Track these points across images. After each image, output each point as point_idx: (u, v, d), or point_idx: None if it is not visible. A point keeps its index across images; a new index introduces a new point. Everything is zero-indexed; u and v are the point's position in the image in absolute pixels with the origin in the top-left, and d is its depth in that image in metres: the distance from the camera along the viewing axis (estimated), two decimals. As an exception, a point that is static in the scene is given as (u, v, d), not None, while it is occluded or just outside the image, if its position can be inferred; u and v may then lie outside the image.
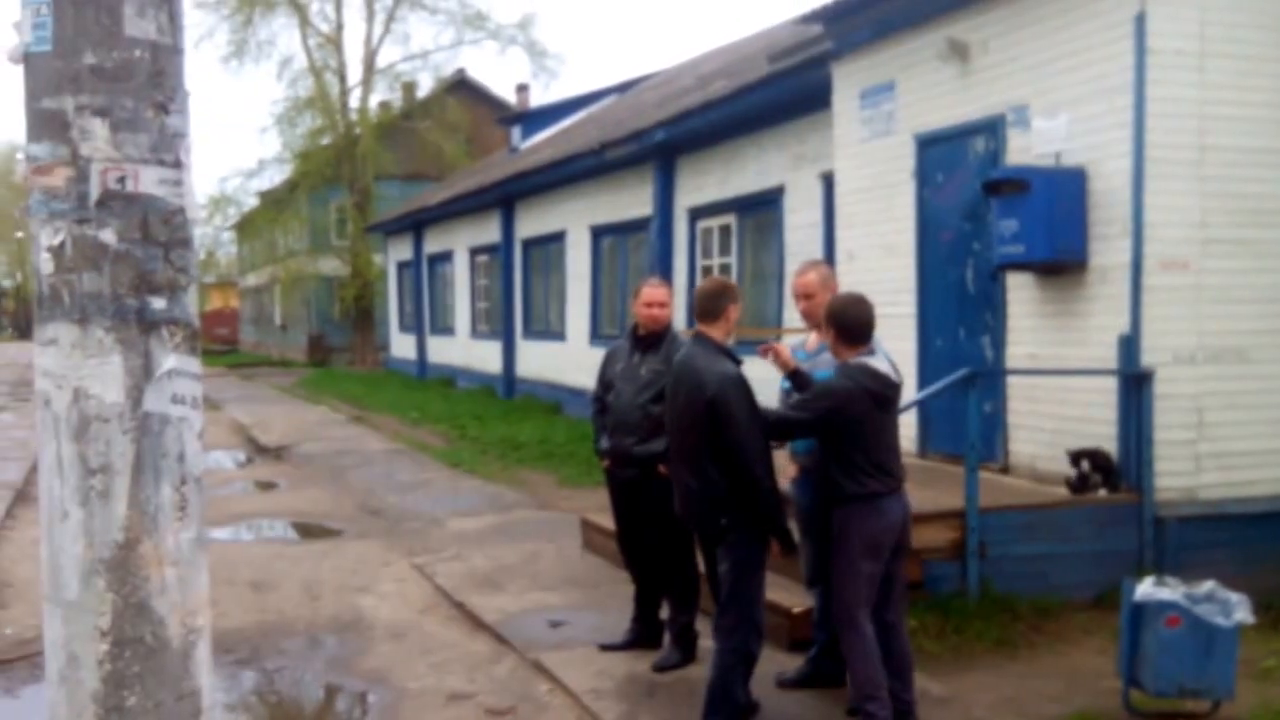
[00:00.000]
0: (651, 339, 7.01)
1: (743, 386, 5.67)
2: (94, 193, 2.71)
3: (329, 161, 37.92)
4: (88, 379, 2.73)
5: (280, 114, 39.12)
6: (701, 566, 6.73)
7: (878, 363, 5.72)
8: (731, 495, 5.70)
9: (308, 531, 11.76)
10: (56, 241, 2.72)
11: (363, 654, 7.59)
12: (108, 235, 2.72)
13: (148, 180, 2.76)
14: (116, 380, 2.74)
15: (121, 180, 2.73)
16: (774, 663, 6.78)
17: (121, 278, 2.74)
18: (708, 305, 5.86)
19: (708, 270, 15.91)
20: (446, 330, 28.60)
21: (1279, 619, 7.51)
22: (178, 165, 2.82)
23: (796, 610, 7.19)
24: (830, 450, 5.76)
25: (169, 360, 2.80)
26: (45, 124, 2.71)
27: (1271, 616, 7.42)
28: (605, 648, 7.25)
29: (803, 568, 6.73)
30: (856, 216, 11.02)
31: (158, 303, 2.78)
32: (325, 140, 38.61)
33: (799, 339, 6.87)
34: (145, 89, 2.75)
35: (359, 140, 37.64)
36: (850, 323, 5.77)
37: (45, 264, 2.74)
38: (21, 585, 9.02)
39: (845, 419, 5.62)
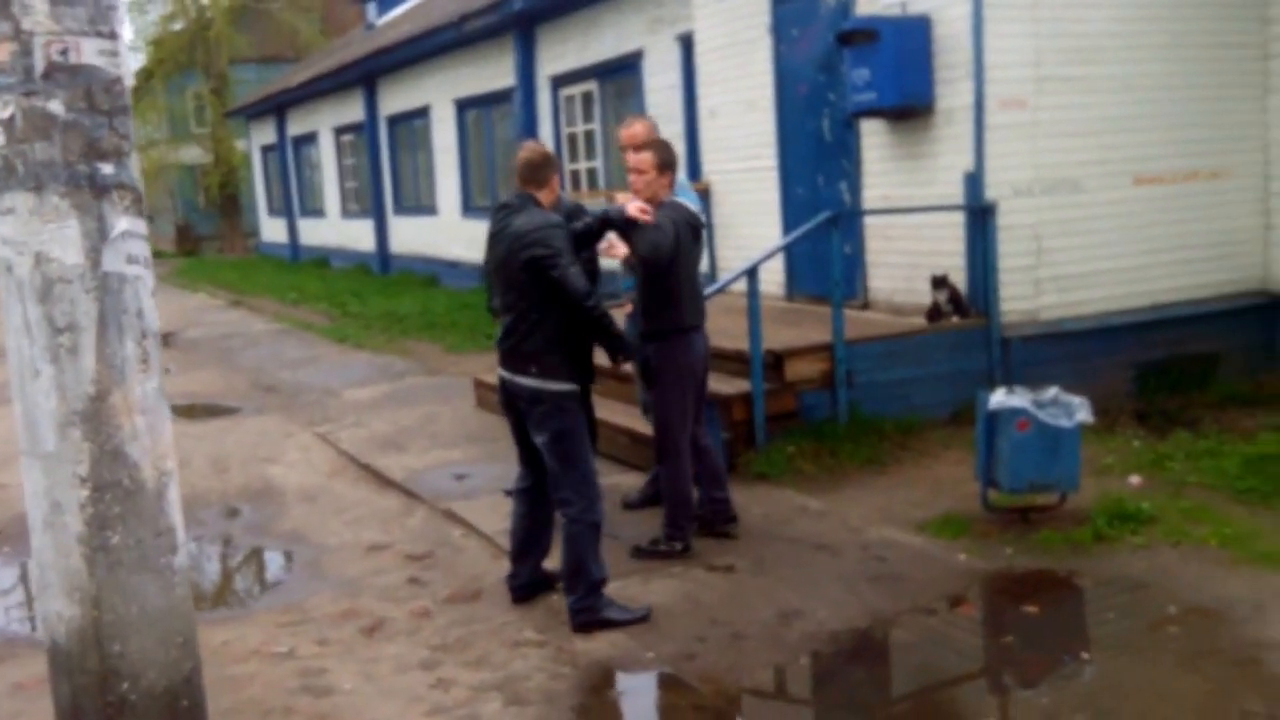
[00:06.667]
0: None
1: (561, 231, 5.53)
2: (39, 66, 2.84)
3: (182, 47, 36.87)
4: (48, 243, 2.89)
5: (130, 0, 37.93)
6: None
7: (687, 201, 6.47)
8: (553, 343, 5.51)
9: (206, 411, 11.75)
10: (7, 115, 2.85)
11: (278, 518, 7.80)
12: (55, 106, 2.87)
13: (88, 51, 2.90)
14: (75, 243, 2.91)
15: (64, 52, 2.86)
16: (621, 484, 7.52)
17: (72, 146, 2.89)
18: (533, 175, 5.70)
19: (572, 138, 16.13)
20: (317, 212, 28.36)
21: (1114, 422, 8.26)
22: (113, 36, 2.97)
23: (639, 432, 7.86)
24: (653, 285, 6.30)
25: (121, 222, 2.97)
26: (-14, 1, 2.81)
27: (1108, 420, 8.15)
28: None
29: (639, 396, 7.43)
30: (716, 74, 11.35)
31: (106, 168, 2.94)
32: (177, 26, 37.45)
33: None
34: (78, -38, 2.87)
35: (211, 24, 36.54)
36: (675, 161, 6.45)
37: (-3, 137, 2.87)
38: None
39: (674, 253, 6.12)
